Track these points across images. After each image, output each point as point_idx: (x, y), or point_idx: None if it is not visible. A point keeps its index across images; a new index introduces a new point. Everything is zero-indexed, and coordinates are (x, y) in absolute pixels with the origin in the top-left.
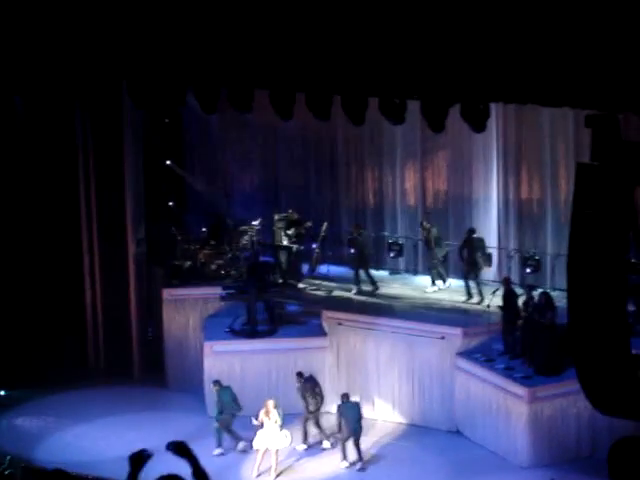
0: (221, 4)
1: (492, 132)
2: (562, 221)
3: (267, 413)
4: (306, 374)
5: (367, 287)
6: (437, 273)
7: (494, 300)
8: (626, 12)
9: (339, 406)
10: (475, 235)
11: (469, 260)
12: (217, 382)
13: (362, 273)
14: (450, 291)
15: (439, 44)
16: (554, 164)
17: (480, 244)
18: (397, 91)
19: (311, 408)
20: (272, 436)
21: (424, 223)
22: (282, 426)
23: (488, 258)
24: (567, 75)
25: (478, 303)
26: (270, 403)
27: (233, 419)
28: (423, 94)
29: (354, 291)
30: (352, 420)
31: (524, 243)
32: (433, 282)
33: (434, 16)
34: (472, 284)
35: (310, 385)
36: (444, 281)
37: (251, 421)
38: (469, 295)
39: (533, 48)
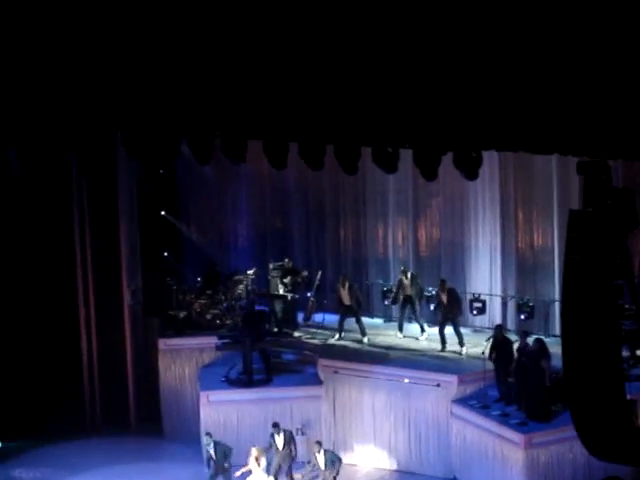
0: (213, 56)
1: (485, 179)
2: (555, 267)
3: (255, 460)
4: (300, 423)
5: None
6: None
7: (488, 347)
8: (614, 61)
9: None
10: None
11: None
12: (209, 434)
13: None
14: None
15: (431, 94)
16: (547, 211)
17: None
18: (389, 140)
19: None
20: None
21: (407, 274)
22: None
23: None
24: (558, 123)
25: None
26: (254, 451)
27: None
28: (415, 143)
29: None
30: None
31: (518, 290)
32: (423, 329)
33: (426, 67)
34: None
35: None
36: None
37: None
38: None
39: (524, 97)
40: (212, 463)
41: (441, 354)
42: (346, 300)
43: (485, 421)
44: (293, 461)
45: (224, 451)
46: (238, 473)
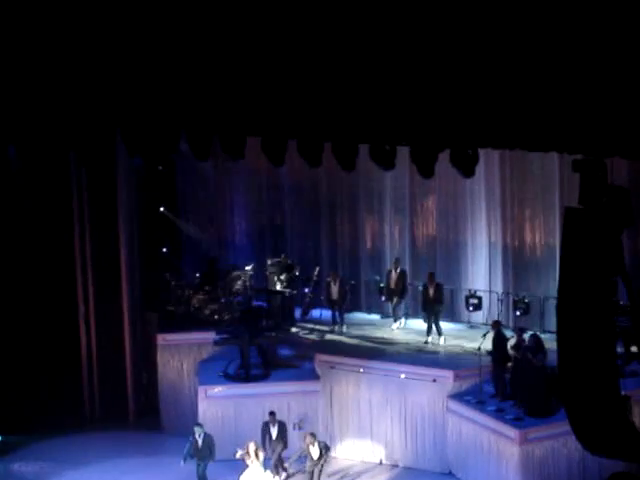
0: (212, 53)
1: (481, 177)
2: (551, 264)
3: (255, 455)
4: (298, 418)
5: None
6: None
7: (484, 343)
8: (610, 58)
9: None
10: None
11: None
12: (201, 425)
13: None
14: (443, 334)
15: (428, 91)
16: (543, 208)
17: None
18: (387, 138)
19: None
20: (257, 477)
21: (397, 268)
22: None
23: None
24: (555, 120)
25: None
26: (251, 446)
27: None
28: (413, 140)
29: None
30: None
31: (514, 286)
32: (395, 320)
33: (423, 64)
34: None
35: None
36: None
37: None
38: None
39: (521, 94)
40: (195, 453)
41: (438, 349)
42: (334, 295)
43: (480, 416)
44: (284, 450)
45: (209, 445)
46: (237, 455)
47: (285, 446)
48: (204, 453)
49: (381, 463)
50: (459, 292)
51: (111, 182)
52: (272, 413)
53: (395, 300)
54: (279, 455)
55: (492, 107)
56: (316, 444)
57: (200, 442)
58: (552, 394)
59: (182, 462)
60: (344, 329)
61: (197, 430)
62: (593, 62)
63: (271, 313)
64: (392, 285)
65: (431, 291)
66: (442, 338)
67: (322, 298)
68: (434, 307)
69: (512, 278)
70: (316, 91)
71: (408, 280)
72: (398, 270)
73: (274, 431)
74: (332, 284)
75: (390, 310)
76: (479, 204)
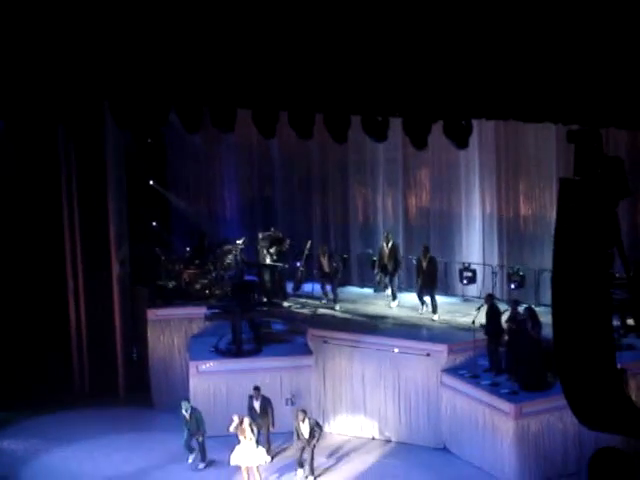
0: (201, 24)
1: (474, 148)
2: (546, 236)
3: (243, 431)
4: (290, 393)
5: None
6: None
7: (478, 317)
8: (606, 29)
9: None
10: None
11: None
12: (189, 402)
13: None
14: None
15: (420, 62)
16: (537, 179)
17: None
18: (379, 109)
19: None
20: (249, 453)
21: (388, 242)
22: (263, 442)
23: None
24: (549, 91)
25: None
26: (245, 420)
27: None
28: (405, 111)
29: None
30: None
31: (508, 259)
32: (394, 297)
33: (415, 34)
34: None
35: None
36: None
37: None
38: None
39: (514, 64)
40: (186, 429)
41: (432, 323)
42: (326, 267)
43: (475, 391)
44: (271, 429)
45: (197, 419)
46: (231, 428)
47: (272, 423)
48: (193, 428)
49: (374, 438)
50: (453, 265)
51: (100, 156)
52: (256, 388)
53: (388, 274)
54: (267, 433)
55: (485, 77)
56: (307, 421)
57: (187, 417)
58: (547, 368)
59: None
60: (337, 307)
61: (183, 405)
62: (586, 32)
63: (262, 287)
64: (385, 260)
65: (424, 264)
66: (436, 315)
67: (315, 272)
68: (427, 281)
69: (506, 251)
70: (307, 62)
71: (401, 253)
72: (390, 244)
73: (257, 405)
74: (322, 258)
75: (382, 285)
76: (473, 176)
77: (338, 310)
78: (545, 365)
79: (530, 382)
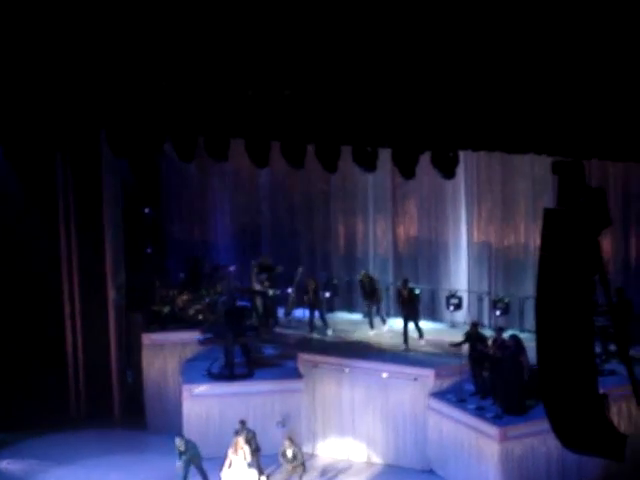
0: (196, 55)
1: (461, 178)
2: (530, 264)
3: (235, 451)
4: (281, 416)
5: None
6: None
7: (461, 341)
8: (589, 62)
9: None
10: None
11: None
12: (183, 437)
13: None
14: (425, 333)
15: (409, 94)
16: (522, 209)
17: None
18: (369, 140)
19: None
20: (240, 474)
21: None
22: (250, 465)
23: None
24: (533, 123)
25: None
26: (240, 440)
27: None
28: (394, 142)
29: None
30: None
31: (494, 286)
32: (384, 321)
33: (403, 67)
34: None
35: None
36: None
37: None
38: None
39: (500, 97)
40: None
41: (419, 348)
42: (312, 299)
43: (461, 414)
44: (259, 454)
45: (192, 449)
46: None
47: (257, 450)
48: (194, 460)
49: (362, 461)
50: (440, 292)
51: (96, 183)
52: (242, 422)
53: (373, 306)
54: (257, 460)
55: (472, 110)
56: (291, 449)
57: (185, 451)
58: (530, 392)
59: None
60: (329, 332)
61: (178, 443)
62: (570, 66)
63: (254, 313)
64: (368, 291)
65: (405, 295)
66: (423, 340)
67: (305, 298)
68: (410, 311)
69: (492, 278)
70: (298, 94)
71: (390, 281)
72: (368, 281)
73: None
74: (310, 290)
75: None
76: (459, 205)
77: (331, 335)
78: (527, 390)
79: (512, 406)
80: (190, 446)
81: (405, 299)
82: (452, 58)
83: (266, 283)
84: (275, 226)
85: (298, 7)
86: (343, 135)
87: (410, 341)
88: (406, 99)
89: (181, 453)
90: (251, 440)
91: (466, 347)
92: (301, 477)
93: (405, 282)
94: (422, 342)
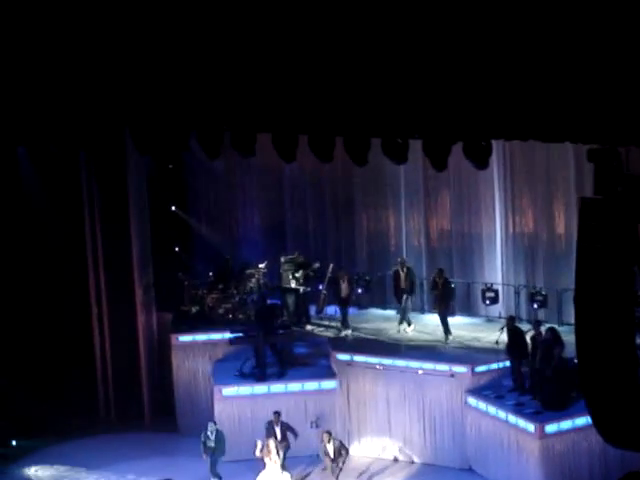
0: (220, 50)
1: (494, 169)
2: (568, 255)
3: (268, 453)
4: (315, 416)
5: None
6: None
7: (501, 337)
8: (624, 48)
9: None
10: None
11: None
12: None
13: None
14: (458, 328)
15: (440, 83)
16: (558, 198)
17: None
18: (399, 131)
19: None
20: (274, 476)
21: (404, 266)
22: (283, 467)
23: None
24: (568, 110)
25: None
26: (271, 443)
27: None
28: (425, 133)
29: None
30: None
31: (531, 279)
32: (409, 324)
33: (434, 56)
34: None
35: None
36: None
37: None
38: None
39: (533, 84)
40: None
41: (455, 344)
42: (344, 292)
43: (500, 411)
44: (287, 450)
45: (220, 439)
46: (257, 452)
47: (288, 446)
48: (218, 449)
49: (396, 460)
50: (475, 286)
51: (122, 182)
52: (277, 412)
53: (404, 299)
54: (284, 456)
55: (504, 98)
56: (332, 442)
57: (211, 438)
58: (571, 387)
59: (204, 456)
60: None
61: (210, 427)
62: (604, 52)
63: (286, 311)
64: (402, 285)
65: (439, 287)
66: (450, 337)
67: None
68: (441, 304)
69: (529, 270)
70: (326, 85)
71: (423, 275)
72: (405, 269)
73: (278, 431)
74: (341, 282)
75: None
76: (493, 196)
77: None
78: (568, 384)
79: (554, 401)
80: (218, 437)
81: (439, 289)
82: (484, 46)
83: (301, 280)
84: (303, 222)
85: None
86: (373, 127)
87: (438, 335)
88: (436, 89)
89: (207, 441)
90: (286, 433)
91: (503, 340)
92: (337, 477)
93: (440, 272)
94: (449, 339)
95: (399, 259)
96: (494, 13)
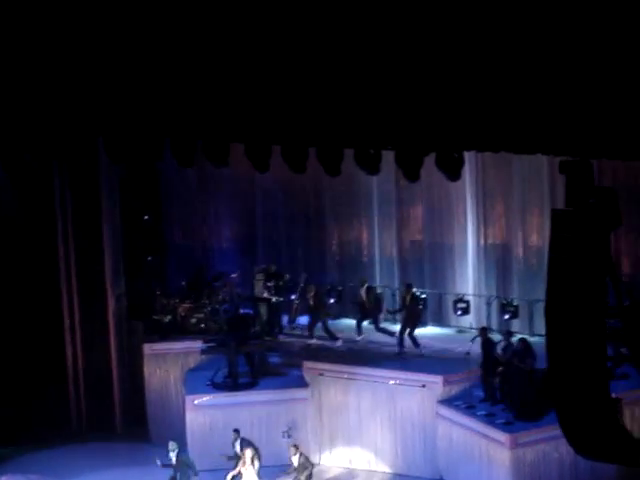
0: (193, 59)
1: (467, 180)
2: (539, 267)
3: (244, 464)
4: (287, 426)
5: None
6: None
7: (473, 348)
8: (596, 60)
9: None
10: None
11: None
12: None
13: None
14: (429, 339)
15: (412, 95)
16: (530, 210)
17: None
18: (372, 142)
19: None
20: None
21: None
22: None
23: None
24: (540, 122)
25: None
26: (247, 453)
27: None
28: (397, 144)
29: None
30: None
31: (502, 290)
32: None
33: (406, 68)
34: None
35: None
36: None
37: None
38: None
39: (506, 96)
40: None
41: (426, 355)
42: (311, 305)
43: (471, 421)
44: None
45: (184, 462)
46: (229, 477)
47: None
48: (181, 473)
49: (370, 470)
50: (447, 297)
51: (94, 191)
52: (236, 430)
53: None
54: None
55: (476, 109)
56: (297, 455)
57: (173, 460)
58: (542, 397)
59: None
60: (338, 343)
61: (171, 446)
62: (577, 63)
63: (258, 321)
64: (365, 305)
65: (407, 301)
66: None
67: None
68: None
69: (500, 281)
70: (299, 96)
71: (395, 286)
72: (365, 288)
73: (237, 447)
74: (308, 295)
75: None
76: (465, 207)
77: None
78: (538, 395)
79: (523, 412)
80: (182, 459)
81: (407, 307)
82: (455, 58)
83: (273, 290)
84: (275, 232)
85: (297, 9)
86: (345, 138)
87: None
88: (409, 100)
89: (169, 462)
90: (244, 450)
91: (476, 353)
92: None
93: (408, 287)
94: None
95: (360, 278)
96: (465, 27)
